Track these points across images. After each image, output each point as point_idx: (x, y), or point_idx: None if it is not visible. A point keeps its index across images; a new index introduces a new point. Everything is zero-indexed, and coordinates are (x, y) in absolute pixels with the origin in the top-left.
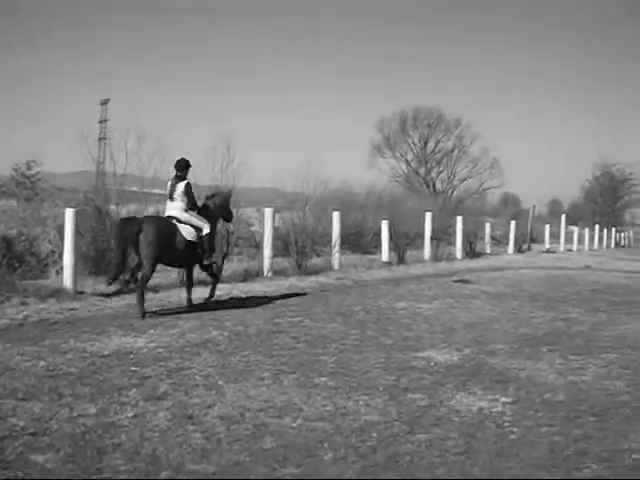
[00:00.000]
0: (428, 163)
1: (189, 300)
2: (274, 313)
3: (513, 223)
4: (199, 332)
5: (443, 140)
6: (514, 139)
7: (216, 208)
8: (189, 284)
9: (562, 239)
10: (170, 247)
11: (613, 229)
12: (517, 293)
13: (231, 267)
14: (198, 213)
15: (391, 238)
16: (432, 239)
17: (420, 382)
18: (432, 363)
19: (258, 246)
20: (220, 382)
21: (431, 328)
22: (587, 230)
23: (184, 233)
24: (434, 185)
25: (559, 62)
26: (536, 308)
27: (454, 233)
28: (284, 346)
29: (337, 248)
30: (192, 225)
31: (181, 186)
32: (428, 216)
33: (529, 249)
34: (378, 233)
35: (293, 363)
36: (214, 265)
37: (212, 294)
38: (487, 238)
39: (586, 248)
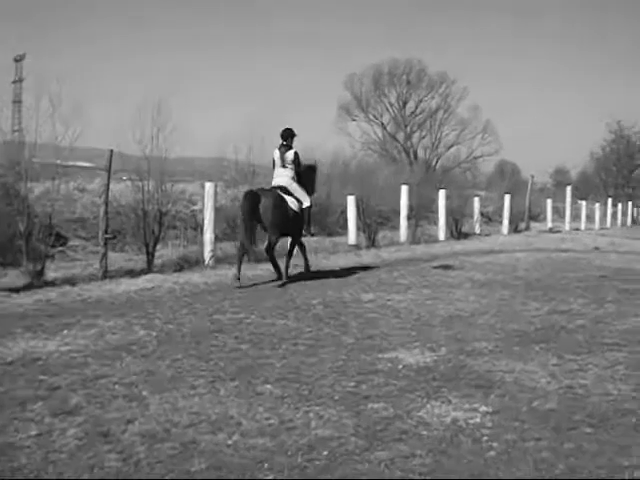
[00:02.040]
0: (408, 127)
1: (286, 273)
2: (213, 308)
3: (508, 198)
4: (122, 332)
5: (425, 99)
6: (511, 98)
7: (310, 182)
8: (303, 250)
9: (568, 216)
10: (283, 218)
11: (629, 204)
12: (509, 281)
13: (166, 254)
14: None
15: (360, 217)
16: (410, 218)
17: (384, 389)
18: (400, 366)
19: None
20: (144, 392)
21: (402, 324)
22: (598, 205)
23: (290, 204)
24: (415, 153)
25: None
26: (530, 298)
27: (437, 210)
28: (224, 348)
29: None
30: (294, 196)
31: (291, 154)
32: (404, 190)
33: (527, 228)
34: (345, 211)
35: (233, 368)
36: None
37: (308, 263)
38: (476, 216)
39: (596, 227)
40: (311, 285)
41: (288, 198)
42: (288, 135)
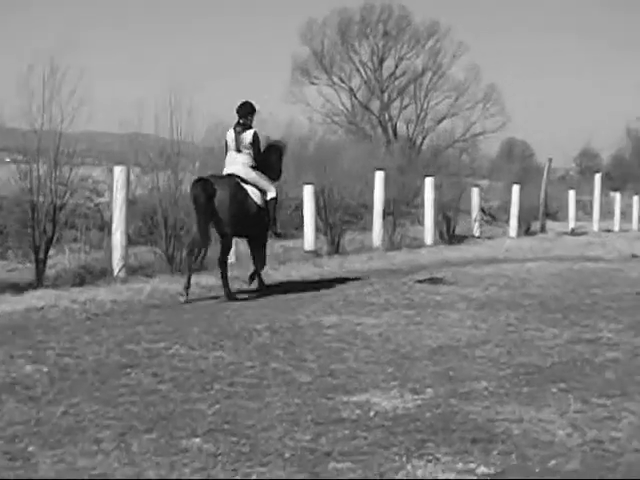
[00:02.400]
0: (385, 93)
1: (260, 281)
2: (125, 336)
3: (517, 189)
4: (3, 367)
5: (409, 57)
6: (522, 58)
7: (271, 164)
8: (258, 260)
9: (596, 213)
10: (243, 214)
11: None
12: (518, 299)
13: (61, 262)
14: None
15: (320, 214)
16: (387, 215)
17: (351, 443)
18: (372, 412)
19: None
20: (31, 448)
21: (375, 357)
22: (637, 198)
23: (253, 196)
24: (394, 128)
25: None
26: (546, 323)
27: (422, 205)
28: (137, 388)
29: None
30: (257, 187)
31: (248, 136)
32: (380, 178)
33: (543, 230)
34: (301, 206)
35: (150, 416)
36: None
37: (259, 280)
38: (475, 213)
39: (635, 227)
40: (255, 304)
41: (249, 188)
42: (246, 112)
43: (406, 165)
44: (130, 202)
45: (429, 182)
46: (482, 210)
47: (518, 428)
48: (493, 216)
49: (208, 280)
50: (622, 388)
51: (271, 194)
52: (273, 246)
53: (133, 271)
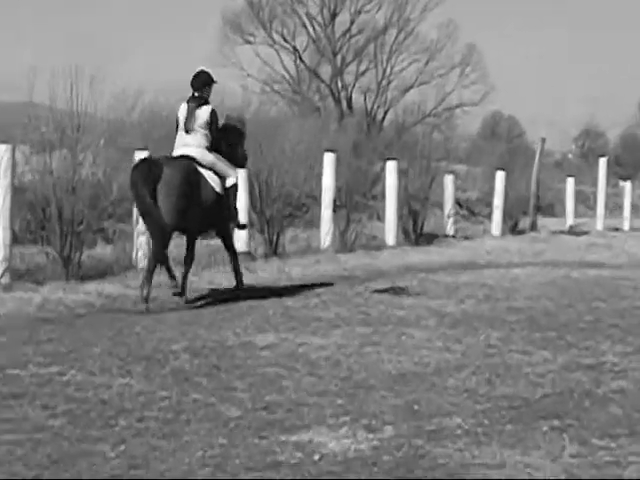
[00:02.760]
0: (338, 55)
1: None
2: (8, 358)
3: (501, 176)
4: None
5: (368, 10)
6: (510, 13)
7: (233, 149)
8: (189, 259)
9: (601, 207)
10: (195, 203)
11: None
12: (501, 315)
13: None
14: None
15: (254, 206)
16: (338, 207)
17: None
18: (317, 456)
19: None
20: None
21: (322, 385)
22: None
23: (211, 182)
24: (349, 99)
25: None
26: (536, 344)
27: (383, 196)
28: (24, 424)
29: None
30: (215, 172)
31: (204, 113)
32: (329, 161)
33: (534, 228)
34: None
35: (40, 458)
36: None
37: (241, 276)
38: (449, 206)
39: None
40: (172, 319)
41: (206, 173)
42: (201, 83)
43: (363, 145)
44: (16, 189)
45: (391, 167)
46: (458, 203)
47: (500, 475)
48: (472, 210)
49: (113, 289)
50: (630, 426)
51: (231, 180)
52: (199, 245)
53: (19, 276)
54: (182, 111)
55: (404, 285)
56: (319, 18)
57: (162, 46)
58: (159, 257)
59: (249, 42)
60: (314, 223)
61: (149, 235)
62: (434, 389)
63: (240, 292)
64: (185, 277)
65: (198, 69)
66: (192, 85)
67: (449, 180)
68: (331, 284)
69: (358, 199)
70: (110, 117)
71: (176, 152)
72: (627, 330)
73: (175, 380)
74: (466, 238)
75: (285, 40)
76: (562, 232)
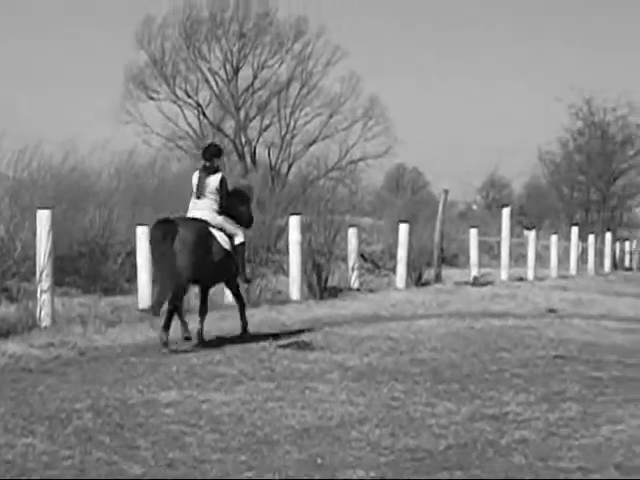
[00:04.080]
0: (241, 110)
1: (200, 333)
2: None
3: (405, 228)
4: None
5: (271, 64)
6: (413, 66)
7: (238, 212)
8: (204, 310)
9: (505, 258)
10: (207, 259)
11: (607, 236)
12: (405, 367)
13: None
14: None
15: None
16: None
17: None
18: None
19: None
20: None
21: (225, 442)
22: (555, 239)
23: (220, 241)
24: (253, 154)
25: None
26: (440, 396)
27: (287, 250)
28: None
29: (49, 284)
30: (224, 232)
31: (214, 181)
32: None
33: (438, 279)
34: (134, 252)
35: None
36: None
37: (246, 323)
38: (353, 259)
39: (553, 274)
40: (75, 378)
41: (216, 233)
42: (211, 154)
43: (267, 200)
44: None
45: (295, 221)
46: (362, 256)
47: None
48: (376, 263)
49: (16, 348)
50: (533, 476)
51: (239, 239)
52: (98, 303)
53: None
54: (194, 179)
55: (308, 339)
56: (222, 73)
57: (65, 100)
58: (175, 304)
59: (152, 98)
60: None
61: (166, 286)
62: (338, 442)
63: (143, 349)
64: (201, 326)
65: (208, 142)
66: (203, 156)
67: (352, 233)
68: (235, 340)
69: (263, 253)
70: (11, 174)
71: (189, 215)
72: (530, 380)
73: (78, 439)
74: (371, 291)
75: (188, 96)
76: (466, 283)
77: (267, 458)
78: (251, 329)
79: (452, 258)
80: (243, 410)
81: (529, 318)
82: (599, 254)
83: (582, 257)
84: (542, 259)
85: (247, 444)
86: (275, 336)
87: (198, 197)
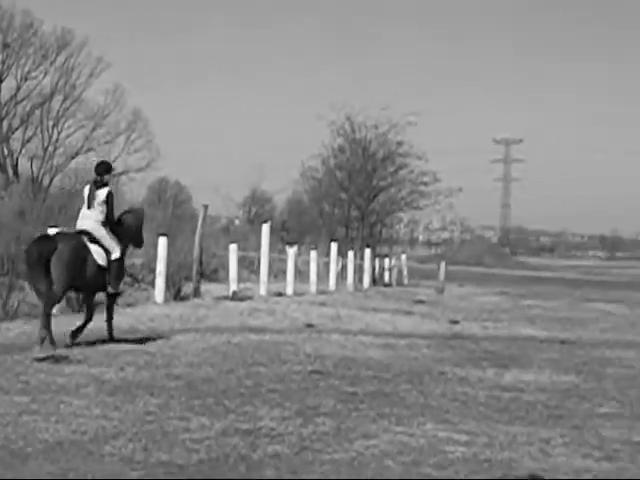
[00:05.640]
0: (4, 121)
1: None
2: None
3: (163, 242)
4: None
5: (34, 76)
6: (178, 85)
7: (129, 228)
8: (109, 316)
9: (264, 273)
10: (82, 271)
11: (367, 252)
12: (160, 382)
13: None
14: (111, 230)
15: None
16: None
17: None
18: None
19: None
20: None
21: None
22: (314, 255)
23: (95, 256)
24: (16, 165)
25: None
26: (194, 411)
27: None
28: None
29: None
30: (102, 246)
31: (102, 194)
32: None
33: (197, 294)
34: None
35: None
36: (111, 298)
37: (77, 333)
38: None
39: (312, 290)
40: None
41: (93, 248)
42: (102, 170)
43: (28, 212)
44: None
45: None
46: (130, 275)
47: None
48: (135, 277)
49: None
50: None
51: (115, 254)
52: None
53: None
54: (86, 190)
55: (65, 353)
56: None
57: None
58: (47, 313)
59: None
60: None
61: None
62: (90, 456)
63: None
64: (79, 329)
65: (100, 159)
66: (95, 171)
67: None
68: None
69: (22, 266)
70: None
71: (78, 224)
72: (286, 395)
73: None
74: (129, 305)
75: None
76: (226, 298)
77: (19, 472)
78: (7, 342)
79: (212, 273)
80: None
81: (287, 333)
82: (359, 270)
83: (342, 273)
84: (303, 275)
85: (1, 458)
86: (31, 349)
87: (88, 207)
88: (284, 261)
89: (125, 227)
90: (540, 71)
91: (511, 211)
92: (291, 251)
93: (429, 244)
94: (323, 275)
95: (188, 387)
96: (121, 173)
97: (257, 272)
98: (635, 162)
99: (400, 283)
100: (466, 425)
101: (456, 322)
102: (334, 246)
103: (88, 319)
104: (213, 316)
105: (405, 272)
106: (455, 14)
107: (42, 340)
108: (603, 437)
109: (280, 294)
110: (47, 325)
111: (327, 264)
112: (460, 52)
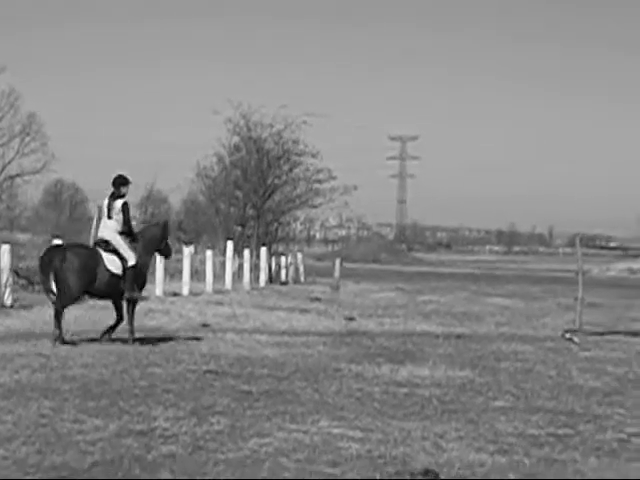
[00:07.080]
0: None
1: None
2: None
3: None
4: None
5: None
6: (74, 83)
7: (154, 238)
8: (117, 320)
9: (159, 273)
10: (93, 278)
11: (262, 251)
12: (55, 384)
13: None
14: (132, 240)
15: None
16: None
17: None
18: None
19: None
20: None
21: None
22: (210, 254)
23: (107, 264)
24: None
25: None
26: (88, 412)
27: None
28: None
29: None
30: (118, 254)
31: (119, 204)
32: None
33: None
34: None
35: None
36: (130, 303)
37: (108, 332)
38: (5, 275)
39: (209, 289)
40: None
41: (106, 256)
42: (119, 183)
43: None
44: None
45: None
46: (16, 272)
47: None
48: (31, 280)
49: None
50: None
51: (130, 262)
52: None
53: None
54: (104, 202)
55: None
56: None
57: None
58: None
59: None
60: None
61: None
62: None
63: None
64: (112, 328)
65: (117, 173)
66: (113, 184)
67: (5, 250)
68: None
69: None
70: None
71: (99, 233)
72: (180, 395)
73: None
74: (25, 307)
75: None
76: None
77: None
78: None
79: None
80: None
81: (182, 332)
82: (255, 269)
83: (238, 272)
84: (200, 274)
85: None
86: None
87: (109, 218)
88: (181, 261)
89: (150, 237)
90: (435, 69)
91: (407, 208)
92: (187, 251)
93: (326, 242)
94: (220, 274)
95: (83, 389)
96: (16, 175)
97: (153, 273)
98: (531, 158)
99: (297, 281)
100: (361, 421)
101: (352, 319)
102: (230, 245)
103: (118, 320)
104: (108, 317)
105: (301, 270)
106: (348, 14)
107: (56, 337)
108: (498, 431)
109: (176, 294)
110: (57, 324)
111: (223, 263)
112: (356, 48)
